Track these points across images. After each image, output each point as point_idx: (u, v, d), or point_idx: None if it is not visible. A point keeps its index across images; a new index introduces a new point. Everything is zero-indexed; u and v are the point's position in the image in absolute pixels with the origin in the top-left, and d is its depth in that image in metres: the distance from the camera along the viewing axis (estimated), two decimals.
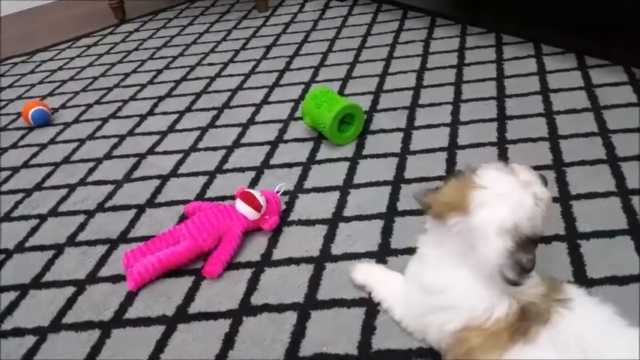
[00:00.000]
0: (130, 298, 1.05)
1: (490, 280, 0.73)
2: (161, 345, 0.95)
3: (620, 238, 0.99)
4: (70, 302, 1.06)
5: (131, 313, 1.02)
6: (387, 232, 1.10)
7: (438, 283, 0.79)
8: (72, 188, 1.40)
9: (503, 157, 1.25)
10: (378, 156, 1.33)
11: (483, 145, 1.30)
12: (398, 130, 1.41)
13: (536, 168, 1.16)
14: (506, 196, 0.73)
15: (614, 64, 1.51)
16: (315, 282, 1.01)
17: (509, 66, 1.61)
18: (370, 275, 0.97)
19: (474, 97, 1.49)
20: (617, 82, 1.44)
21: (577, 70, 1.52)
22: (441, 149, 1.31)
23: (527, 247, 0.72)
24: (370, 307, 0.94)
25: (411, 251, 0.95)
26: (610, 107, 1.35)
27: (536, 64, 1.59)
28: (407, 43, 1.86)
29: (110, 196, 1.35)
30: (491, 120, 1.38)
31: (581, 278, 0.93)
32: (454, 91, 1.54)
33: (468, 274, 0.76)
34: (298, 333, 0.92)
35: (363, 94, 1.60)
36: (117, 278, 1.10)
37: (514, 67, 1.60)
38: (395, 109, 1.51)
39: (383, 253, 1.05)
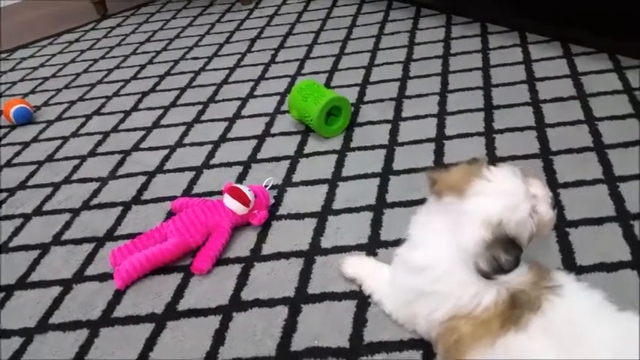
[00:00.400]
0: (117, 296, 1.04)
1: (466, 267, 0.74)
2: (150, 343, 0.94)
3: (608, 225, 1.00)
4: (57, 302, 1.05)
5: (119, 312, 1.00)
6: (376, 224, 1.09)
7: (423, 259, 0.78)
8: (56, 186, 1.38)
9: (490, 147, 1.25)
10: (365, 148, 1.33)
11: (471, 135, 1.30)
12: (385, 121, 1.41)
13: (524, 157, 1.19)
14: (505, 195, 0.74)
15: (599, 51, 1.51)
16: (305, 276, 1.01)
17: (495, 55, 1.61)
18: (360, 268, 0.97)
19: (460, 87, 1.49)
20: (603, 69, 1.44)
21: (562, 59, 1.52)
22: (428, 140, 1.31)
23: (509, 248, 0.73)
24: (361, 299, 0.94)
25: (400, 243, 0.95)
26: (596, 95, 1.35)
27: (521, 53, 1.59)
28: (392, 34, 1.86)
29: (95, 193, 1.33)
30: (478, 110, 1.38)
31: (571, 266, 0.93)
32: (440, 81, 1.53)
33: (453, 255, 0.76)
34: (289, 327, 0.92)
35: (349, 86, 1.59)
36: (104, 277, 1.08)
37: (500, 56, 1.60)
38: (382, 100, 1.50)
39: (373, 245, 1.04)
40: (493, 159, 1.20)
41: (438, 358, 0.81)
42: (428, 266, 0.78)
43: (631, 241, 0.96)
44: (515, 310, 0.72)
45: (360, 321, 0.91)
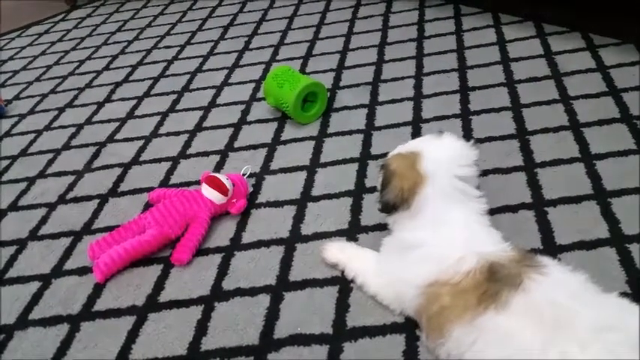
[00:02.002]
0: (97, 290, 1.03)
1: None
2: (133, 335, 0.93)
3: (586, 203, 1.01)
4: (36, 297, 1.03)
5: (100, 305, 1.00)
6: (356, 209, 1.09)
7: (416, 238, 0.83)
8: (31, 181, 1.36)
9: (467, 128, 1.25)
10: (343, 133, 1.32)
11: (447, 117, 1.30)
12: (362, 106, 1.40)
13: (500, 138, 1.20)
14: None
15: (571, 30, 1.52)
16: (286, 263, 1.01)
17: (469, 37, 1.61)
18: (342, 253, 0.97)
19: (435, 69, 1.49)
20: (576, 48, 1.45)
21: (536, 39, 1.53)
22: (405, 124, 1.31)
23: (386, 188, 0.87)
24: (343, 285, 0.94)
25: (381, 227, 0.96)
26: (570, 74, 1.36)
27: (495, 34, 1.59)
28: (366, 18, 1.85)
29: (71, 187, 1.31)
30: (453, 92, 1.39)
31: (550, 245, 0.94)
32: (415, 64, 1.53)
33: (442, 231, 0.81)
34: (272, 316, 0.92)
35: (324, 71, 1.58)
36: (83, 270, 1.07)
37: (474, 37, 1.60)
38: (358, 85, 1.50)
39: (353, 231, 1.04)
40: (469, 140, 1.21)
41: (422, 337, 0.82)
42: (422, 243, 0.82)
43: (609, 218, 0.97)
44: (493, 284, 0.72)
45: (342, 306, 0.91)
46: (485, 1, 1.71)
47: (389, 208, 0.86)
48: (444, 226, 0.81)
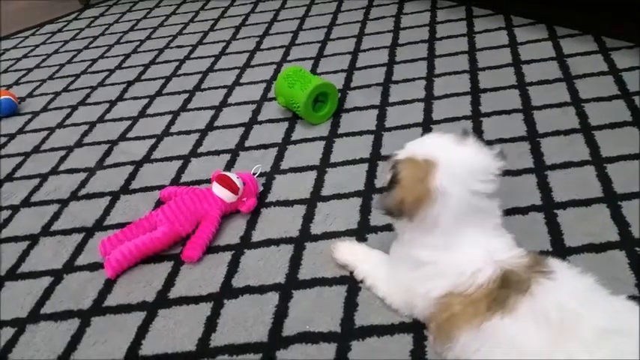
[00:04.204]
0: (108, 285, 1.03)
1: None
2: (142, 331, 0.94)
3: (596, 206, 1.00)
4: (48, 292, 1.04)
5: (110, 301, 1.00)
6: (365, 209, 1.09)
7: (428, 257, 0.79)
8: (44, 178, 1.37)
9: (477, 130, 1.25)
10: (353, 134, 1.32)
11: (458, 119, 1.30)
12: (372, 107, 1.40)
13: (511, 140, 1.20)
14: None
15: (584, 33, 1.51)
16: (295, 262, 1.01)
17: (481, 39, 1.60)
18: (351, 254, 0.97)
19: (446, 71, 1.49)
20: (588, 51, 1.44)
21: (548, 41, 1.52)
22: (416, 125, 1.31)
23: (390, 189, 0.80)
24: (351, 284, 0.94)
25: (390, 228, 0.96)
26: (582, 76, 1.35)
27: (507, 36, 1.59)
28: (377, 19, 1.85)
29: (83, 184, 1.32)
30: (465, 94, 1.38)
31: (559, 247, 0.94)
32: (427, 65, 1.53)
33: (455, 251, 0.77)
34: (281, 313, 0.92)
35: (335, 72, 1.58)
36: (94, 266, 1.08)
37: (485, 39, 1.60)
38: (369, 86, 1.50)
39: (362, 231, 1.05)
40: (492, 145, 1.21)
41: (430, 339, 0.82)
42: (436, 261, 0.78)
43: (619, 221, 0.96)
44: (503, 291, 0.72)
45: (350, 305, 0.91)
46: (498, 2, 1.71)
47: (385, 212, 0.82)
48: (457, 247, 0.77)
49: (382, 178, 0.97)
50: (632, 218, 0.96)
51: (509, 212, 1.01)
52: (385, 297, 0.89)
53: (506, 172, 1.09)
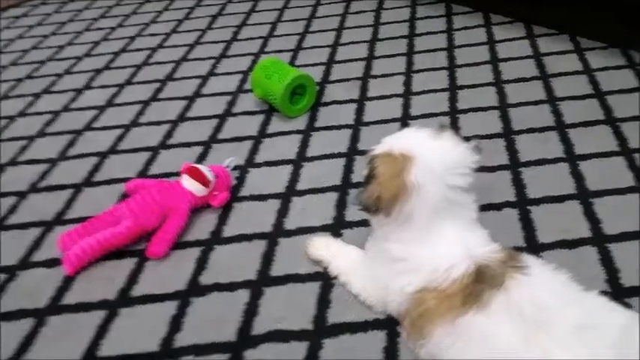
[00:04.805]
0: (67, 283, 0.98)
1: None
2: (102, 331, 0.89)
3: (570, 203, 1.01)
4: (0, 290, 0.99)
5: (69, 299, 0.95)
6: (341, 204, 1.07)
7: (403, 251, 0.78)
8: (1, 169, 1.30)
9: (455, 127, 1.24)
10: (331, 128, 1.30)
11: (436, 115, 1.29)
12: (351, 101, 1.38)
13: (487, 137, 1.19)
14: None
15: (560, 33, 1.52)
16: (268, 258, 0.98)
17: (460, 36, 1.60)
18: (326, 250, 0.94)
19: (425, 67, 1.48)
20: (564, 50, 1.46)
21: (525, 40, 1.53)
22: (394, 120, 1.29)
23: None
24: (325, 281, 0.92)
25: (366, 223, 0.94)
26: (557, 75, 1.36)
27: (485, 34, 1.58)
28: (358, 13, 1.82)
29: (44, 175, 1.26)
30: (442, 90, 1.37)
31: (532, 243, 0.94)
32: (406, 61, 1.52)
33: (431, 245, 0.76)
34: (251, 311, 0.89)
35: (314, 64, 1.55)
36: (52, 262, 1.02)
37: (464, 37, 1.59)
38: (347, 79, 1.47)
39: (338, 226, 1.02)
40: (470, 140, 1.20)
41: (403, 336, 0.80)
42: (411, 256, 0.77)
43: (591, 218, 0.97)
44: (477, 285, 0.71)
45: (324, 302, 0.88)
46: (477, 0, 1.70)
47: (362, 207, 0.80)
48: (433, 241, 0.76)
49: (360, 174, 0.94)
50: (604, 215, 0.97)
51: (483, 208, 0.99)
52: (360, 293, 0.87)
53: (482, 169, 1.09)
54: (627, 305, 0.80)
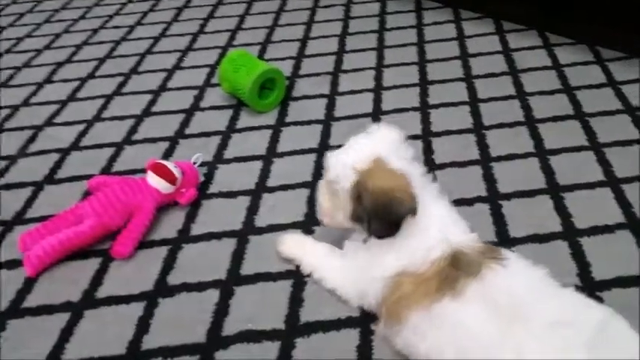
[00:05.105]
0: (28, 284, 0.94)
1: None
2: (66, 334, 0.86)
3: (540, 197, 1.02)
4: None
5: (31, 302, 0.92)
6: (312, 201, 1.05)
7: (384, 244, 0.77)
8: None
9: (425, 122, 1.24)
10: (301, 123, 1.28)
11: (407, 110, 1.29)
12: (321, 96, 1.37)
13: (458, 132, 1.19)
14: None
15: (529, 28, 1.54)
16: (238, 257, 0.96)
17: (430, 31, 1.60)
18: (298, 247, 0.93)
19: (396, 62, 1.47)
20: (533, 46, 1.47)
21: (494, 35, 1.54)
22: (365, 115, 1.28)
23: None
24: (297, 279, 0.90)
25: None
26: (527, 70, 1.38)
27: (455, 29, 1.59)
28: (328, 7, 1.81)
29: (2, 173, 1.21)
30: (413, 85, 1.37)
31: (504, 238, 0.94)
32: (376, 56, 1.51)
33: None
34: (221, 311, 0.87)
35: (283, 59, 1.53)
36: (13, 264, 0.98)
37: (434, 32, 1.59)
38: (317, 74, 1.46)
39: (309, 223, 1.01)
40: (428, 134, 1.20)
41: (379, 328, 0.80)
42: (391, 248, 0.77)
43: (562, 212, 0.98)
44: (453, 271, 0.71)
45: (296, 301, 0.87)
46: None
47: (398, 225, 0.75)
48: (416, 227, 0.76)
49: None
50: (575, 209, 0.98)
51: (455, 203, 0.97)
52: (335, 288, 0.86)
53: (453, 164, 1.10)
54: (599, 299, 0.81)
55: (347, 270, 0.84)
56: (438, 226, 0.76)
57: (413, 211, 0.74)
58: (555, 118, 1.20)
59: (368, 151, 0.77)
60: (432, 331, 0.70)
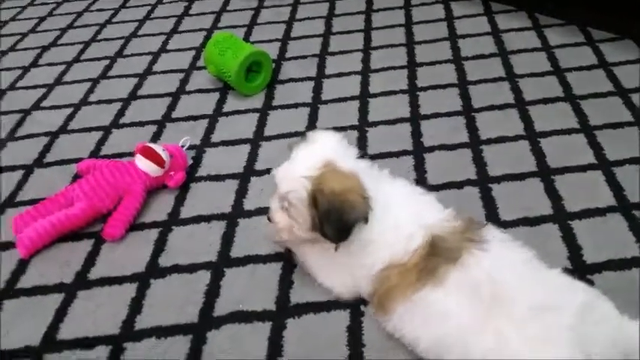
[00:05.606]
0: (22, 266, 0.95)
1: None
2: (60, 314, 0.87)
3: (531, 180, 1.01)
4: None
5: (24, 282, 0.93)
6: None
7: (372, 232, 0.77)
8: None
9: (414, 104, 1.23)
10: (288, 106, 1.28)
11: (395, 92, 1.28)
12: (308, 79, 1.36)
13: (447, 114, 1.19)
14: None
15: (518, 10, 1.52)
16: (228, 239, 0.96)
17: (418, 12, 1.59)
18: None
19: (383, 44, 1.47)
20: (522, 27, 1.46)
21: (483, 16, 1.53)
22: (353, 98, 1.28)
23: None
24: (286, 262, 0.91)
25: None
26: (516, 52, 1.37)
27: (444, 10, 1.58)
28: None
29: None
30: (401, 67, 1.37)
31: (494, 221, 0.94)
32: (364, 37, 1.50)
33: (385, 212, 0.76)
34: (212, 293, 0.88)
35: (270, 41, 1.52)
36: (6, 246, 0.99)
37: (422, 13, 1.58)
38: (304, 57, 1.45)
39: None
40: (417, 116, 1.20)
41: (367, 315, 0.81)
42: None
43: (552, 195, 0.98)
44: (432, 259, 0.71)
45: (286, 283, 0.88)
46: None
47: (349, 231, 0.75)
48: (387, 214, 0.76)
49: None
50: (565, 192, 0.98)
51: (445, 186, 1.02)
52: (328, 286, 0.85)
53: (442, 147, 1.10)
54: (590, 282, 0.81)
55: (336, 273, 0.83)
56: (409, 213, 0.76)
57: (365, 217, 0.74)
58: (545, 100, 1.19)
59: (316, 157, 0.77)
60: (416, 321, 0.71)
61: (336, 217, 0.73)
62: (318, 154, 0.77)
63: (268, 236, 0.93)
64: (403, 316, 0.73)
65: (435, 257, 0.71)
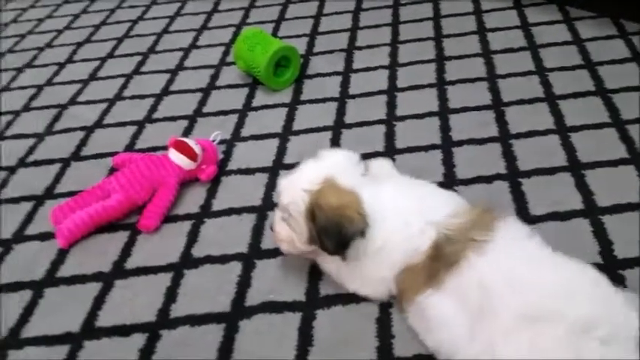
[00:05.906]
0: (61, 255, 0.99)
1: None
2: (99, 302, 0.90)
3: (561, 175, 1.00)
4: None
5: (64, 272, 0.96)
6: None
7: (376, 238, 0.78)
8: None
9: (442, 98, 1.23)
10: (316, 101, 1.29)
11: (422, 87, 1.28)
12: (336, 73, 1.37)
13: (476, 108, 1.18)
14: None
15: (549, 2, 1.50)
16: (258, 231, 0.98)
17: (446, 5, 1.58)
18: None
19: (411, 37, 1.46)
20: (553, 20, 1.44)
21: (512, 10, 1.51)
22: (380, 92, 1.28)
23: None
24: None
25: None
26: (546, 46, 1.35)
27: (472, 4, 1.56)
28: None
29: (31, 150, 1.25)
30: (429, 61, 1.36)
31: (524, 216, 0.93)
32: (391, 31, 1.50)
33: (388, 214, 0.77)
34: (244, 283, 0.90)
35: (297, 36, 1.54)
36: (46, 236, 1.03)
37: (450, 6, 1.57)
38: (332, 51, 1.46)
39: None
40: (445, 111, 1.20)
41: (395, 310, 0.82)
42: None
43: (583, 190, 0.97)
44: (435, 262, 0.72)
45: (315, 274, 0.89)
46: None
47: (347, 244, 0.76)
48: (393, 217, 0.77)
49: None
50: (596, 187, 0.97)
51: (473, 181, 1.01)
52: (355, 291, 0.85)
53: (471, 141, 1.10)
54: (621, 277, 0.81)
55: (361, 280, 0.83)
56: (416, 213, 0.76)
57: (362, 232, 0.75)
58: (576, 95, 1.17)
59: (319, 172, 0.78)
60: (420, 324, 0.74)
61: (334, 231, 0.75)
62: (322, 170, 0.79)
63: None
64: (413, 317, 0.75)
65: (438, 261, 0.72)
